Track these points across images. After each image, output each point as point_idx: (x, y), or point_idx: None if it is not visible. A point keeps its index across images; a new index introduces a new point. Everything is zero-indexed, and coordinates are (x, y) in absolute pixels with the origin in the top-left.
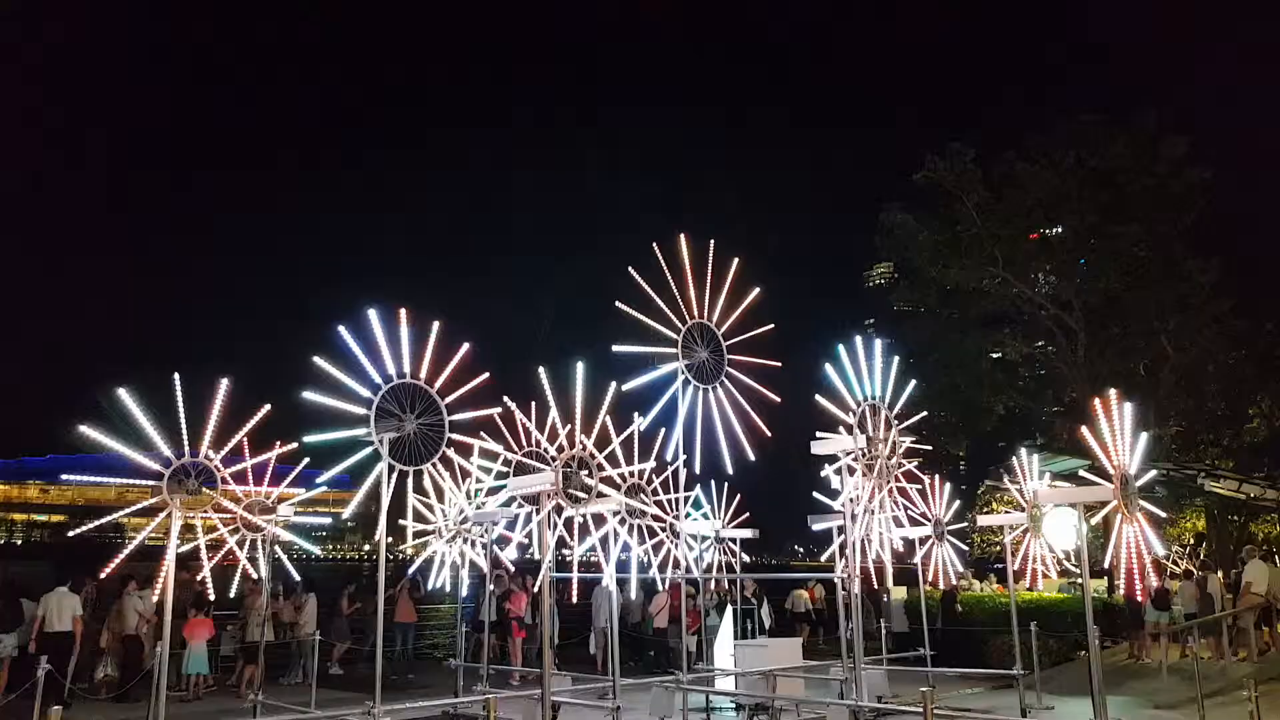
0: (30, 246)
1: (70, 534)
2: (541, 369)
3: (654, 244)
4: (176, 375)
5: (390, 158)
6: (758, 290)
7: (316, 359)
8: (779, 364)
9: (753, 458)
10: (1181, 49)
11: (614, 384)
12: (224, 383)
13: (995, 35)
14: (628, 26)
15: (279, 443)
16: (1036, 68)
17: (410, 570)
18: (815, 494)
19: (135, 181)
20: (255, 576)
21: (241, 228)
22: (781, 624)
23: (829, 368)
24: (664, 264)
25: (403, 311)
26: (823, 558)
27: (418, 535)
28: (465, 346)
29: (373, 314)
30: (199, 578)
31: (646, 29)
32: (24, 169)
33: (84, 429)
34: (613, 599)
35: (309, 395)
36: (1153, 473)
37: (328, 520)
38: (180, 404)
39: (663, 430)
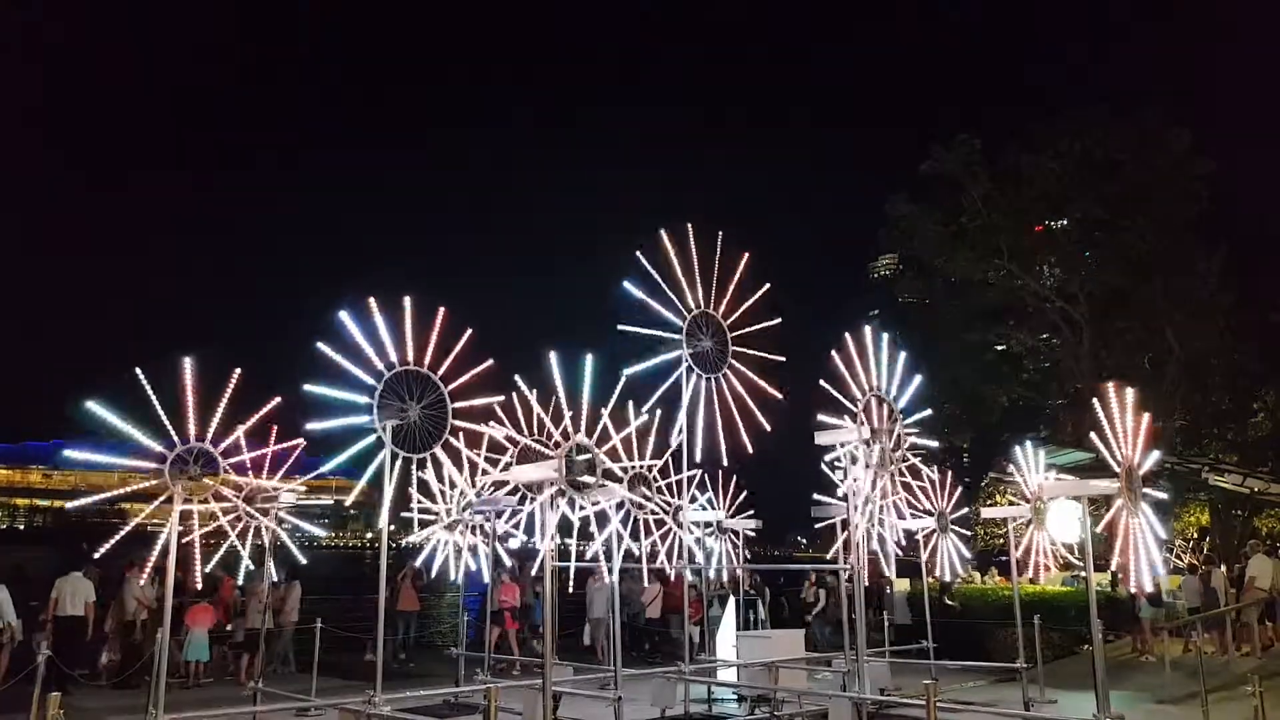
0: (31, 243)
1: (68, 506)
2: (553, 353)
3: (660, 232)
4: (188, 360)
5: (390, 158)
6: (747, 259)
7: (320, 345)
8: (781, 358)
9: (754, 449)
10: (1185, 43)
11: (589, 357)
12: (187, 363)
13: (995, 33)
14: (630, 23)
15: (296, 438)
16: (1036, 65)
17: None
18: (818, 485)
19: (137, 181)
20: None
21: (242, 228)
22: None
23: (835, 356)
24: (665, 256)
25: (406, 299)
26: (832, 556)
27: (422, 524)
28: (469, 332)
29: (340, 311)
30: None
31: (648, 26)
32: (28, 165)
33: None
34: (615, 589)
35: (311, 388)
36: (1155, 455)
37: (323, 530)
38: (155, 392)
39: (659, 413)
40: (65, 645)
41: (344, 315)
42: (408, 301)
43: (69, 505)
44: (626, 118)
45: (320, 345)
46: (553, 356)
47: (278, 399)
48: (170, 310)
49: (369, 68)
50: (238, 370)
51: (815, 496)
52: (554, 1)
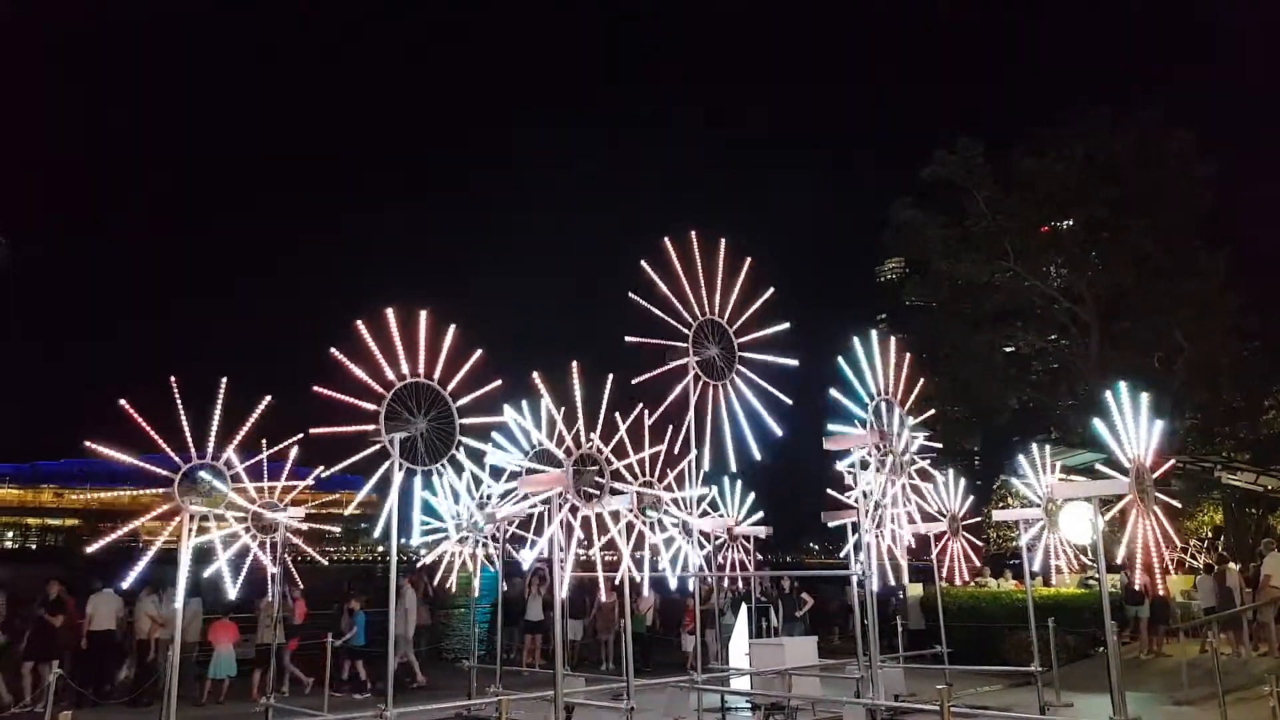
0: (40, 262)
1: (88, 549)
2: (536, 373)
3: (665, 240)
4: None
5: (390, 160)
6: (751, 265)
7: (333, 350)
8: (794, 361)
9: (760, 456)
10: (1190, 42)
11: (610, 377)
12: (224, 380)
13: (997, 29)
14: (631, 20)
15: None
16: (1039, 62)
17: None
18: (829, 490)
19: (147, 196)
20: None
21: (246, 237)
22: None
23: (842, 361)
24: (671, 264)
25: (423, 313)
26: (842, 554)
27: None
28: (479, 353)
29: (345, 324)
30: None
31: (649, 23)
32: (39, 179)
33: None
34: (626, 599)
35: (319, 389)
36: (1171, 462)
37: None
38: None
39: (671, 427)
40: (99, 660)
41: (360, 324)
42: (423, 316)
43: (88, 550)
44: (630, 124)
45: (334, 351)
46: (536, 376)
47: (268, 398)
48: (180, 329)
49: (370, 87)
50: (247, 389)
51: (829, 491)
52: (555, 8)
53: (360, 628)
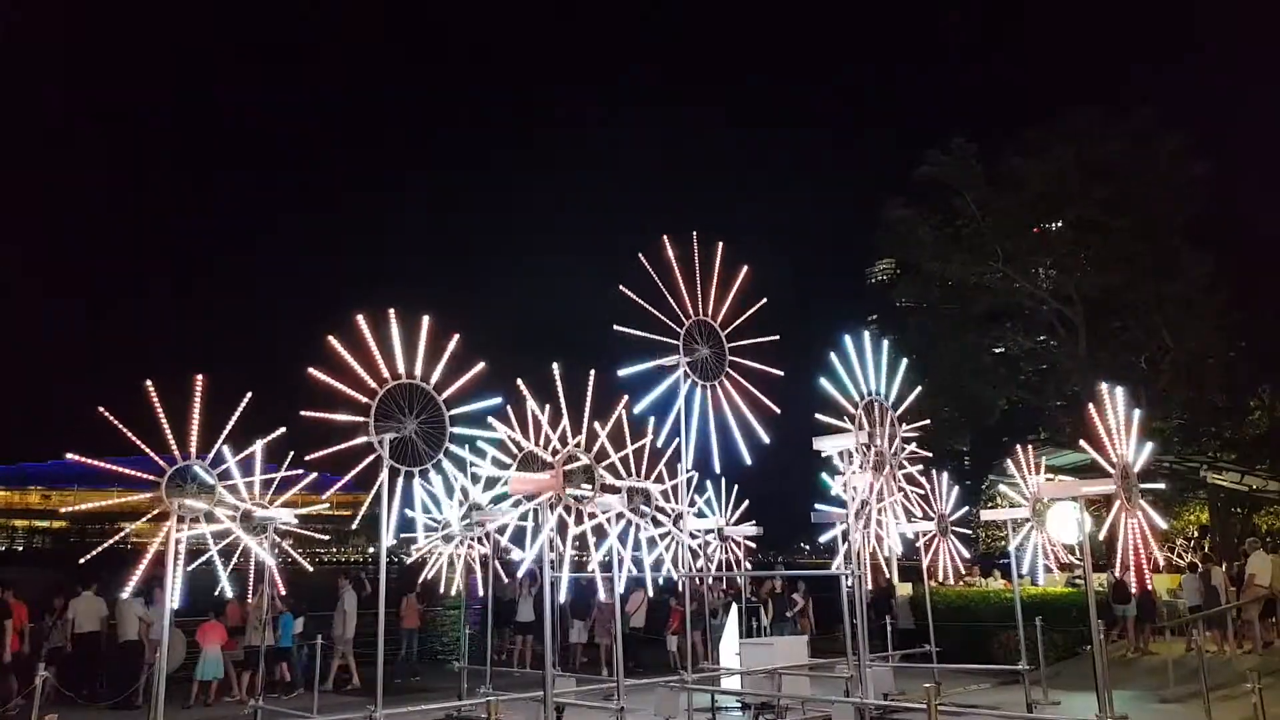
0: (34, 249)
1: (82, 560)
2: (555, 364)
3: (664, 238)
4: (170, 377)
5: (391, 160)
6: (746, 270)
7: (331, 339)
8: (779, 372)
9: (751, 459)
10: (1182, 42)
11: (592, 372)
12: (199, 378)
13: (994, 28)
14: (630, 25)
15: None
16: (1038, 61)
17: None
18: (819, 490)
19: (138, 189)
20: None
21: (241, 235)
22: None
23: (833, 361)
24: (663, 263)
25: (425, 318)
26: (834, 564)
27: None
28: (455, 337)
29: (337, 324)
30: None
31: (647, 28)
32: (28, 171)
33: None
34: (617, 600)
35: (315, 377)
36: (1150, 446)
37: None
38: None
39: (653, 419)
40: (83, 662)
41: (360, 320)
42: (453, 328)
43: (63, 509)
44: (623, 123)
45: (311, 370)
46: (555, 367)
47: (282, 429)
48: (169, 328)
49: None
50: (240, 388)
51: (817, 506)
52: (547, 3)
53: (286, 630)
